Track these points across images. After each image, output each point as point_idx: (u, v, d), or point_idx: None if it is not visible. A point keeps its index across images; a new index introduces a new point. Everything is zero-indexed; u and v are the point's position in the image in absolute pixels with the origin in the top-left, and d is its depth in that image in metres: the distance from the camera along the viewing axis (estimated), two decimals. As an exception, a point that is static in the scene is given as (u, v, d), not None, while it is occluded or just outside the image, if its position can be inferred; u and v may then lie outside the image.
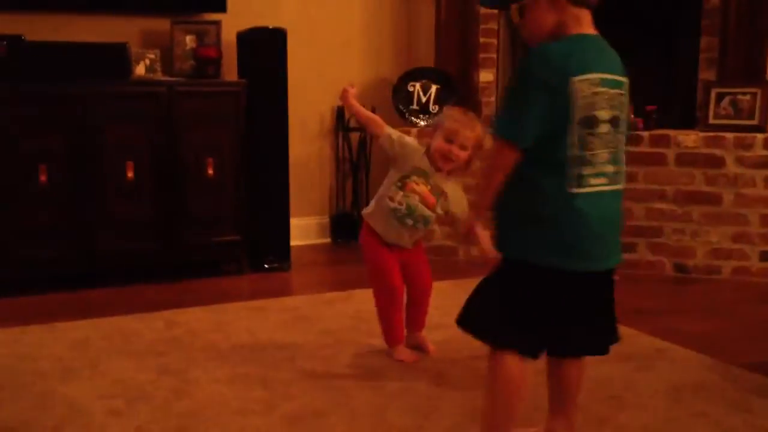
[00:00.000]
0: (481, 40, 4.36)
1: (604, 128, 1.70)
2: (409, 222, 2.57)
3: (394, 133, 2.61)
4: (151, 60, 3.80)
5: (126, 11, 3.93)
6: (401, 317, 2.67)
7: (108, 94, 3.55)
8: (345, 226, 4.52)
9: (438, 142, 2.52)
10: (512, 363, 1.77)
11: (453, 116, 2.55)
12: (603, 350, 1.89)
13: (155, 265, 3.71)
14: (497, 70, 4.40)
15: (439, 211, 2.57)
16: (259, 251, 3.91)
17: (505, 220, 1.77)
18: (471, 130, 2.51)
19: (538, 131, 1.66)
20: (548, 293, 1.74)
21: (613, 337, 1.88)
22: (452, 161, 2.52)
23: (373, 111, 4.42)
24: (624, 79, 1.76)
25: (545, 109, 1.64)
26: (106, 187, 3.56)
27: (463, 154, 2.51)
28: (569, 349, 1.86)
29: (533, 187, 1.70)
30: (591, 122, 1.68)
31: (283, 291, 3.56)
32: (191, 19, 3.99)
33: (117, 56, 3.61)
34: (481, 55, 4.37)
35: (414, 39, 4.66)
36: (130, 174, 3.58)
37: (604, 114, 1.70)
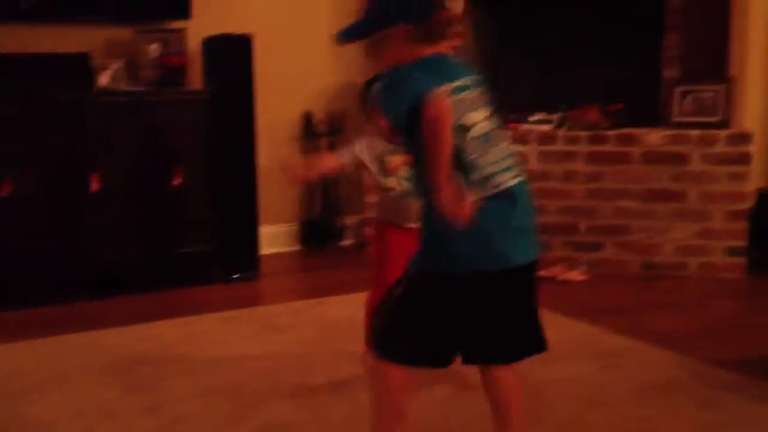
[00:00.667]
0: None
1: (486, 127, 1.73)
2: (420, 188, 2.59)
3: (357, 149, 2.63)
4: (115, 70, 3.76)
5: (89, 21, 3.88)
6: None
7: (71, 104, 3.51)
8: (315, 233, 4.51)
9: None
10: (396, 372, 1.77)
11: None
12: (516, 357, 1.81)
13: (124, 277, 3.68)
14: (464, 71, 4.40)
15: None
16: (228, 260, 3.88)
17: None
18: None
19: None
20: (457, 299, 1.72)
21: (536, 346, 1.81)
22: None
23: (340, 116, 4.45)
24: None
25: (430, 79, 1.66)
26: (72, 198, 3.52)
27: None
28: (483, 356, 1.80)
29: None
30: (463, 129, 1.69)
31: (254, 300, 3.55)
32: (155, 27, 3.95)
33: (80, 66, 3.58)
34: (448, 57, 4.37)
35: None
36: (95, 185, 3.54)
37: (477, 116, 1.73)
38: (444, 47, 1.78)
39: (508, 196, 1.69)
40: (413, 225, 2.58)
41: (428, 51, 1.74)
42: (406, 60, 1.73)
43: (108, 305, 3.47)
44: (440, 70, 1.71)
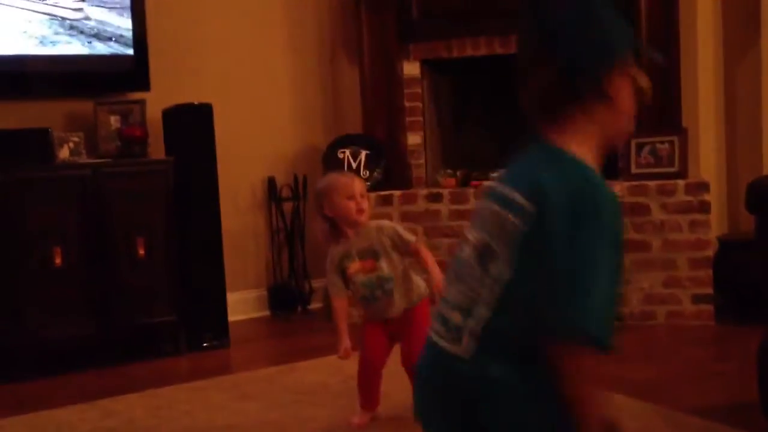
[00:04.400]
0: (407, 104, 4.43)
1: (465, 253, 1.24)
2: (378, 293, 2.59)
3: (329, 278, 2.66)
4: (75, 143, 3.74)
5: (48, 95, 3.87)
6: (367, 386, 2.66)
7: (31, 179, 3.48)
8: (283, 298, 4.47)
9: (342, 203, 2.56)
10: None
11: (333, 179, 2.67)
12: None
13: (89, 351, 3.59)
14: (424, 132, 4.47)
15: (384, 267, 2.57)
16: (196, 329, 3.83)
17: None
18: (358, 180, 2.64)
19: None
20: None
21: None
22: (364, 210, 2.59)
23: (304, 180, 4.47)
24: (523, 203, 1.17)
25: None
26: (34, 272, 3.46)
27: (366, 201, 2.61)
28: None
29: None
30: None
31: (223, 369, 3.48)
32: (115, 99, 3.96)
33: (39, 141, 3.57)
34: (408, 119, 4.44)
35: (341, 105, 4.72)
36: (57, 259, 3.49)
37: (470, 234, 1.25)
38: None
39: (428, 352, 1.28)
40: (379, 318, 2.65)
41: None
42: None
43: (73, 380, 3.38)
44: None
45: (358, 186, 2.60)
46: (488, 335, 1.16)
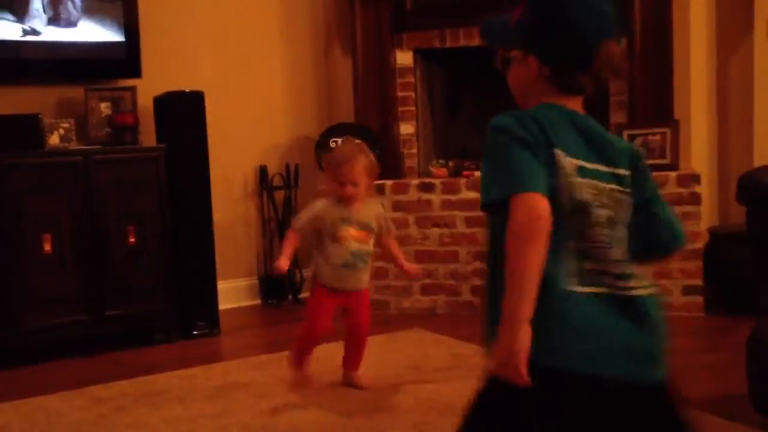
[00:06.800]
0: (399, 93, 4.42)
1: (601, 220, 1.36)
2: (360, 264, 2.76)
3: (301, 217, 2.84)
4: (65, 129, 3.72)
5: (39, 81, 3.85)
6: (308, 349, 2.88)
7: (21, 165, 3.46)
8: (274, 286, 4.47)
9: (333, 185, 2.73)
10: None
11: (333, 159, 2.78)
12: None
13: (80, 339, 3.58)
14: (417, 122, 4.46)
15: (371, 243, 2.80)
16: (187, 318, 3.82)
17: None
18: (353, 163, 2.70)
19: (543, 179, 1.30)
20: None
21: None
22: (351, 194, 2.74)
23: (296, 169, 4.45)
24: (626, 173, 1.41)
25: (535, 164, 1.30)
26: (25, 260, 3.45)
27: (359, 187, 2.73)
28: None
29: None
30: (584, 209, 1.35)
31: (214, 357, 3.48)
32: (106, 86, 3.94)
33: (29, 128, 3.54)
34: (400, 108, 4.43)
35: (334, 95, 4.70)
36: (48, 247, 3.47)
37: (599, 210, 1.37)
38: (572, 102, 1.44)
39: (629, 305, 1.37)
40: (337, 287, 2.80)
41: (551, 95, 1.42)
42: (532, 98, 1.43)
43: (65, 368, 3.37)
44: (554, 131, 1.35)
45: (349, 171, 2.70)
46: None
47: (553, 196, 1.30)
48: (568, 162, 1.34)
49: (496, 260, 1.32)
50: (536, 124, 1.34)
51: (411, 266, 2.98)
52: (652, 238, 1.46)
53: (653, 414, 1.40)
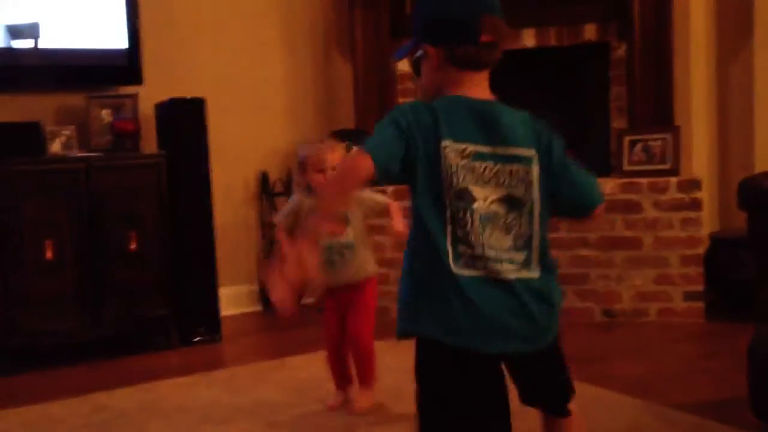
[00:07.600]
0: (400, 99, 4.42)
1: (484, 207, 1.51)
2: (336, 258, 2.68)
3: (279, 216, 2.80)
4: (66, 136, 3.73)
5: (40, 89, 3.86)
6: (334, 362, 2.79)
7: (23, 173, 3.46)
8: (275, 292, 4.46)
9: (314, 177, 2.67)
10: None
11: (310, 149, 2.73)
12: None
13: (81, 345, 3.59)
14: (417, 128, 4.45)
15: (349, 233, 2.68)
16: (188, 324, 3.82)
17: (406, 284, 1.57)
18: (332, 152, 2.68)
19: (395, 164, 1.47)
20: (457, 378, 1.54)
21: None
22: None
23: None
24: (528, 152, 1.54)
25: (395, 143, 1.47)
26: (27, 266, 3.45)
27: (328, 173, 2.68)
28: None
29: (429, 245, 1.49)
30: (465, 197, 1.50)
31: (215, 364, 3.48)
32: (107, 93, 3.94)
33: (31, 135, 3.55)
34: (401, 115, 4.42)
35: (334, 101, 4.71)
36: (50, 253, 3.48)
37: (481, 192, 1.51)
38: (476, 83, 1.56)
39: (504, 286, 1.51)
40: (337, 284, 2.72)
41: (453, 86, 1.55)
42: (440, 92, 1.56)
43: (65, 374, 3.38)
44: (454, 119, 1.50)
45: (329, 159, 2.66)
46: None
47: (439, 184, 1.48)
48: (455, 149, 1.48)
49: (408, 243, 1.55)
50: (430, 114, 1.49)
51: (400, 225, 2.60)
52: (572, 202, 1.63)
53: (533, 376, 1.70)
